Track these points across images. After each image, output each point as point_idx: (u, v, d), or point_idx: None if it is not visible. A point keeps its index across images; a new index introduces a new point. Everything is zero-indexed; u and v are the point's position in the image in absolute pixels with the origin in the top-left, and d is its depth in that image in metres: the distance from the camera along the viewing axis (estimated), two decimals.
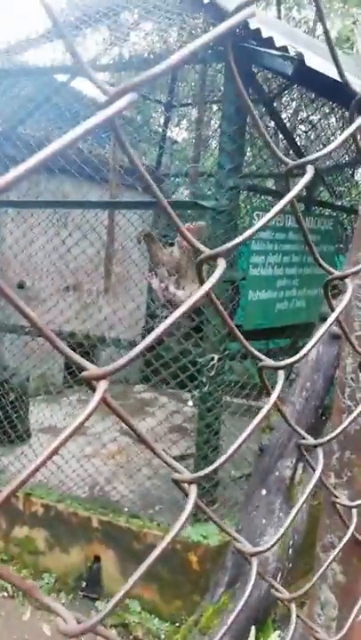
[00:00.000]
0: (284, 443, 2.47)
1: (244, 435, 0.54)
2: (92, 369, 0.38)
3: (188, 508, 0.45)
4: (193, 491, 0.46)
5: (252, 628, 2.21)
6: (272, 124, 4.88)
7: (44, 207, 4.36)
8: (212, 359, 3.30)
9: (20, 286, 5.16)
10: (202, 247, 0.47)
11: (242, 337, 0.54)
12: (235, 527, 2.94)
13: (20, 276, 5.09)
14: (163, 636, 3.26)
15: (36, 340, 4.18)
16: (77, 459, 3.73)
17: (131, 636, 3.32)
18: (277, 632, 2.18)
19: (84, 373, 0.39)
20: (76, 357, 0.39)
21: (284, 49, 2.74)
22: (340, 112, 4.45)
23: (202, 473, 0.48)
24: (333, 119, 4.77)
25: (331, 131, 4.74)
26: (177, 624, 3.29)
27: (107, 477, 3.81)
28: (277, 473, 2.42)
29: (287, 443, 2.48)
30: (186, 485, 0.48)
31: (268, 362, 0.56)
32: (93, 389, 0.39)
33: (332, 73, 2.96)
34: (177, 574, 3.30)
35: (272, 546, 0.62)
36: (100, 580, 3.50)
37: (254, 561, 0.57)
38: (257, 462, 2.55)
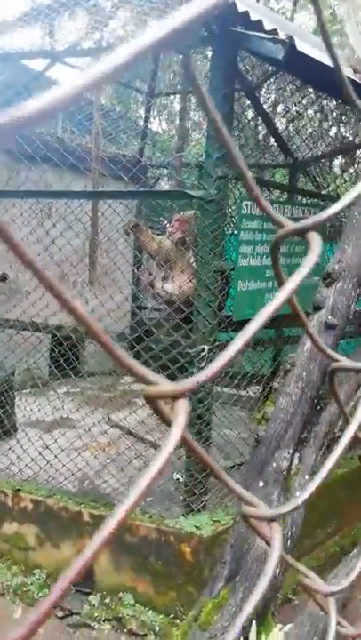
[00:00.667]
0: (280, 434, 2.40)
1: (329, 464, 0.44)
2: (162, 383, 0.27)
3: (276, 549, 0.35)
4: (276, 530, 0.36)
5: (253, 622, 2.15)
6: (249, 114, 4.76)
7: (26, 197, 4.17)
8: (203, 350, 3.20)
9: (3, 279, 4.96)
10: (284, 220, 0.35)
11: (312, 332, 0.43)
12: (231, 519, 2.87)
13: (3, 268, 4.89)
14: (158, 629, 3.19)
15: (22, 334, 4.01)
16: (67, 453, 3.61)
17: (125, 630, 3.23)
18: (279, 626, 2.12)
19: (151, 390, 0.27)
20: (139, 368, 0.28)
21: (275, 32, 2.62)
22: (326, 100, 4.36)
23: (287, 508, 0.38)
24: (316, 107, 4.68)
25: (316, 120, 4.65)
26: (172, 616, 3.22)
27: (97, 471, 3.70)
28: (274, 464, 2.35)
29: (284, 434, 2.40)
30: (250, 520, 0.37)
31: (345, 362, 0.45)
32: (156, 410, 0.27)
33: (322, 58, 2.86)
34: (170, 566, 3.23)
35: (348, 586, 0.52)
36: (93, 574, 3.40)
37: (331, 601, 0.46)
38: (253, 453, 2.47)
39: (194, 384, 0.27)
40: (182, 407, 0.27)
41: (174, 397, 0.27)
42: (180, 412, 0.27)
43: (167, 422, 0.27)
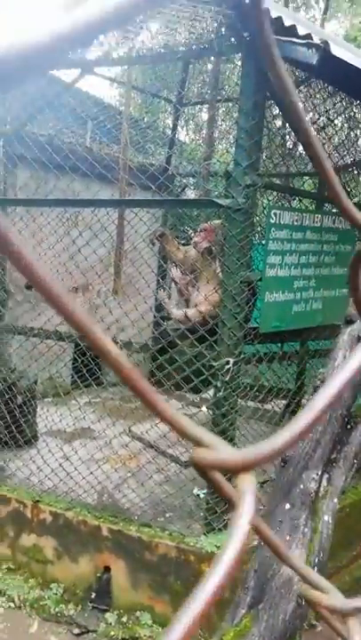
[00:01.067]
0: (309, 453, 2.28)
1: None
2: (221, 448, 0.20)
3: None
4: (355, 627, 0.28)
5: None
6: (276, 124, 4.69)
7: (53, 205, 4.18)
8: (228, 363, 3.12)
9: (28, 287, 4.98)
10: None
11: None
12: (254, 540, 2.75)
13: None
14: None
15: (45, 342, 4.00)
16: (87, 465, 3.55)
17: None
18: None
19: (205, 457, 0.20)
20: (185, 423, 0.21)
21: (309, 37, 2.55)
22: (356, 109, 4.26)
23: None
24: (346, 115, 4.57)
25: (346, 129, 4.54)
26: None
27: (117, 484, 3.62)
28: (302, 486, 2.23)
29: (312, 453, 2.28)
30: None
31: None
32: (208, 480, 0.20)
33: (357, 63, 2.78)
34: (190, 586, 3.10)
35: None
36: (110, 590, 3.32)
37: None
38: (280, 474, 2.35)
39: (266, 455, 0.20)
40: (249, 486, 0.19)
41: (237, 471, 0.20)
42: (247, 493, 0.19)
43: (229, 502, 0.19)
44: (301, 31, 2.61)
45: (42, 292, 0.20)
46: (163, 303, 3.85)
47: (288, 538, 2.16)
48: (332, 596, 0.30)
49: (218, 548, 3.13)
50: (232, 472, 0.20)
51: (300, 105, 0.28)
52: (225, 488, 0.20)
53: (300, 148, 4.93)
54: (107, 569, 3.33)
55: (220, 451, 0.20)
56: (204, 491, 3.51)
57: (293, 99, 0.27)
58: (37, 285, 0.20)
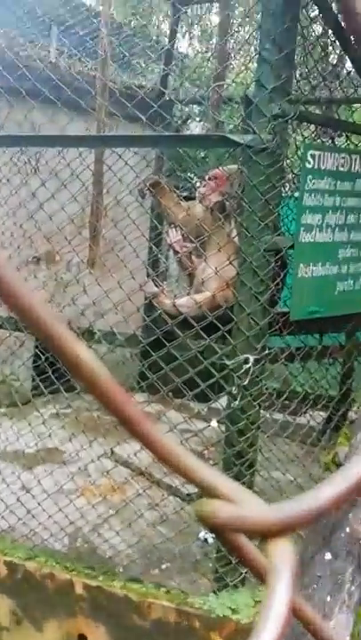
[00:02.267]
0: None
1: None
2: (248, 501, 0.19)
3: None
4: None
5: None
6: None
7: (7, 145, 4.16)
8: (247, 361, 3.12)
9: None
10: None
11: None
12: None
13: None
14: None
15: None
16: (55, 499, 3.59)
17: None
18: None
19: (223, 512, 0.19)
20: (191, 461, 0.20)
21: None
22: None
23: None
24: None
25: None
26: None
27: (95, 525, 3.68)
28: (348, 529, 2.26)
29: None
30: None
31: None
32: (231, 546, 0.19)
33: None
34: None
35: None
36: None
37: None
38: None
39: (308, 514, 0.19)
40: (285, 557, 0.18)
41: (268, 535, 0.19)
42: (283, 567, 0.18)
43: (257, 575, 0.19)
44: None
45: None
46: (154, 302, 3.84)
47: (329, 599, 2.19)
48: None
49: (233, 610, 3.18)
50: (261, 536, 0.19)
51: None
52: (252, 557, 0.19)
53: (349, 64, 4.89)
54: (81, 638, 3.39)
55: (243, 505, 0.19)
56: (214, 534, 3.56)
57: None
58: None
